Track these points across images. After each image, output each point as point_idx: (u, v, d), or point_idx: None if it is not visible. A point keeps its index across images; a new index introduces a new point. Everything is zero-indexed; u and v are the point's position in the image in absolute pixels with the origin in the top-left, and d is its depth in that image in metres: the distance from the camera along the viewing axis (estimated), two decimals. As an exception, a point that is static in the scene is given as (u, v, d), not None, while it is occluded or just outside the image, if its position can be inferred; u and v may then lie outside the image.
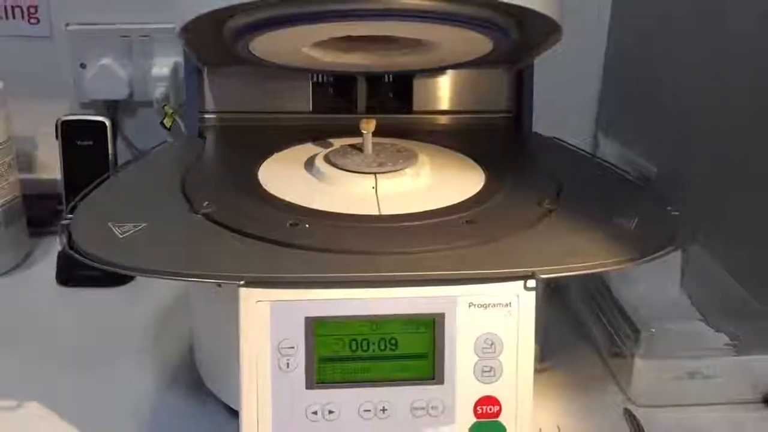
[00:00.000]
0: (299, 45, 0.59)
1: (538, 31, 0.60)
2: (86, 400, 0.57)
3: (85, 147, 0.73)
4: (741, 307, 0.62)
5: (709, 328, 0.63)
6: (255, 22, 0.54)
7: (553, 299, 0.70)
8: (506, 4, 0.52)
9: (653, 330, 0.57)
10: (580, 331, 0.67)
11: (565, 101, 0.88)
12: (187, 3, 0.54)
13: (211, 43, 0.61)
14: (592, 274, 0.48)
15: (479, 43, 0.59)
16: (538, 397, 0.57)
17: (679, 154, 0.72)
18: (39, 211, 0.79)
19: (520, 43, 0.60)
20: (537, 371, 0.58)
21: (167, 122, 0.81)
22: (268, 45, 0.58)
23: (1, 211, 0.73)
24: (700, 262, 0.67)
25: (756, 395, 0.58)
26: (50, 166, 0.77)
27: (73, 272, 0.72)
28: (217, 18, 0.56)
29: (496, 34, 0.57)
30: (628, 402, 0.58)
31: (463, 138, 0.68)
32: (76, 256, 0.48)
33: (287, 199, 0.55)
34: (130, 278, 0.73)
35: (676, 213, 0.54)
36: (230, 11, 0.54)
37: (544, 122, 0.72)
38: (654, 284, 0.68)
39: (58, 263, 0.73)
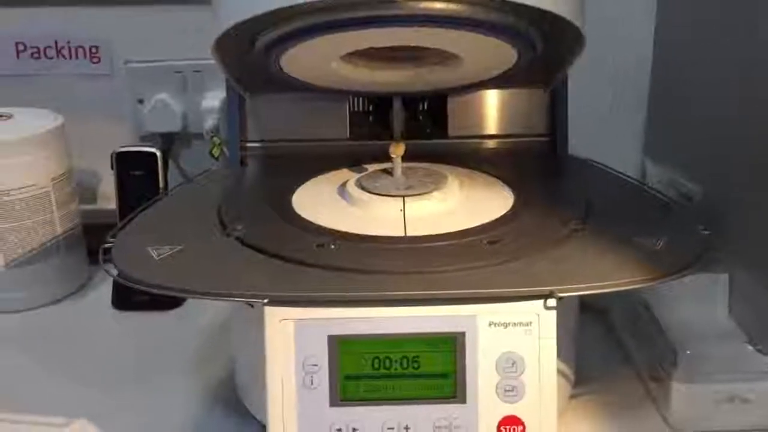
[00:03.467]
0: (327, 59, 0.61)
1: (562, 41, 0.60)
2: (131, 418, 0.59)
3: (138, 176, 0.76)
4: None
5: (755, 351, 0.61)
6: (281, 36, 0.56)
7: (596, 322, 0.69)
8: (527, 8, 0.52)
9: (690, 352, 0.56)
10: (621, 354, 0.66)
11: (611, 125, 0.87)
12: (216, 20, 0.57)
13: (247, 68, 0.64)
14: (612, 293, 0.48)
15: (503, 54, 0.59)
16: (574, 420, 0.57)
17: (725, 174, 0.70)
18: (99, 240, 0.83)
19: (544, 55, 0.61)
20: (571, 396, 0.59)
21: (215, 152, 0.85)
22: (298, 61, 0.60)
23: (62, 238, 0.77)
24: (747, 285, 0.65)
25: (801, 421, 0.56)
26: (111, 196, 0.81)
27: (128, 297, 0.75)
28: (247, 34, 0.58)
29: (518, 42, 0.58)
30: (667, 427, 0.56)
31: (496, 161, 0.68)
32: (114, 276, 0.50)
33: (317, 222, 0.56)
34: (182, 302, 0.76)
35: (707, 233, 0.53)
36: (256, 23, 0.56)
37: (588, 147, 0.72)
38: (699, 307, 0.66)
39: (113, 289, 0.77)
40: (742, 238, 0.66)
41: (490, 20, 0.54)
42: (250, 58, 0.61)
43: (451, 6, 0.53)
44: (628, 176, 0.66)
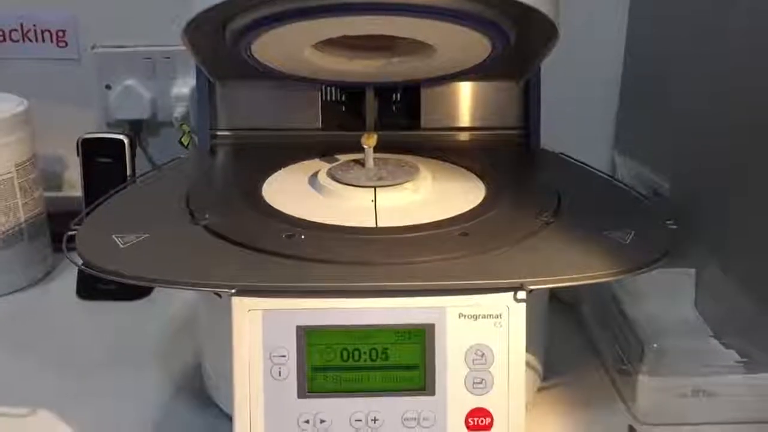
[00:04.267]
0: (299, 47, 0.60)
1: (536, 34, 0.60)
2: (95, 409, 0.58)
3: (105, 164, 0.75)
4: (753, 325, 0.60)
5: (720, 345, 0.62)
6: (252, 22, 0.56)
7: (565, 315, 0.69)
8: None
9: (656, 346, 0.56)
10: (590, 348, 0.66)
11: (583, 120, 0.87)
12: (187, 4, 0.55)
13: (218, 54, 0.63)
14: (581, 285, 0.48)
15: (477, 45, 0.59)
16: (541, 413, 0.58)
17: (693, 170, 0.71)
18: (64, 227, 0.82)
19: (517, 47, 0.61)
20: (539, 389, 0.59)
21: (185, 140, 0.84)
22: (269, 47, 0.60)
23: (25, 226, 0.76)
24: (714, 279, 0.66)
25: (764, 414, 0.56)
26: (77, 183, 0.80)
27: (93, 286, 0.74)
28: (218, 19, 0.57)
29: (491, 32, 0.57)
30: (633, 420, 0.57)
31: (469, 153, 0.68)
32: (77, 264, 0.49)
33: (287, 211, 0.56)
34: (148, 291, 0.75)
35: (674, 227, 0.54)
36: (227, 8, 0.55)
37: (561, 141, 0.72)
38: (666, 302, 0.67)
39: (78, 278, 0.75)
40: (709, 233, 0.67)
41: (463, 10, 0.54)
42: (221, 44, 0.60)
43: None
44: (599, 170, 0.66)
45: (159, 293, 0.75)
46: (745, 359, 0.58)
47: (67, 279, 0.77)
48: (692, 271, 0.68)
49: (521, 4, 0.53)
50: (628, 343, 0.59)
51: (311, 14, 0.53)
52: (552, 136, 0.73)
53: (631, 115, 0.87)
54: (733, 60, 0.64)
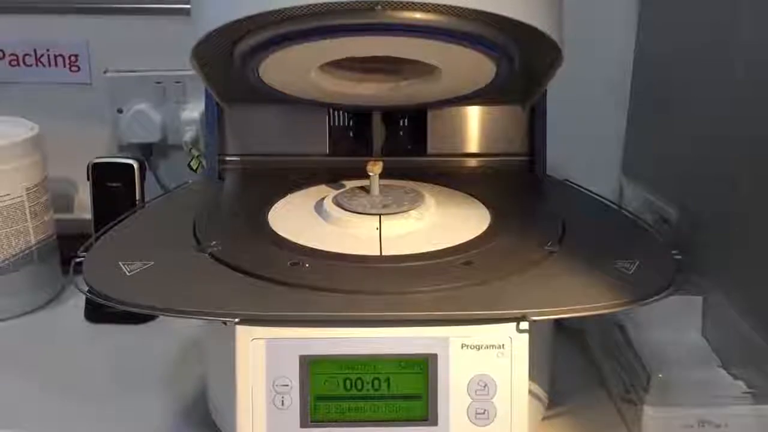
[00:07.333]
0: (306, 68, 0.61)
1: (541, 57, 0.60)
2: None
3: (115, 188, 0.76)
4: (761, 355, 0.60)
5: (728, 375, 0.61)
6: (258, 43, 0.56)
7: (572, 341, 0.69)
8: (504, 20, 0.52)
9: (662, 376, 0.56)
10: (596, 376, 0.66)
11: (592, 144, 0.87)
12: (194, 28, 0.56)
13: (227, 78, 0.63)
14: (585, 316, 0.48)
15: (481, 67, 0.60)
16: (546, 443, 0.57)
17: (701, 197, 0.70)
18: (74, 250, 0.82)
19: (522, 71, 0.61)
20: (543, 418, 0.58)
21: (194, 164, 0.84)
22: (276, 70, 0.60)
23: (35, 249, 0.76)
24: (721, 308, 0.65)
25: (772, 446, 0.56)
26: (88, 206, 0.81)
27: (101, 309, 0.74)
28: (225, 42, 0.58)
29: (495, 54, 0.58)
30: (639, 450, 0.56)
31: (474, 180, 0.69)
32: (83, 291, 0.50)
33: (292, 239, 0.56)
34: (156, 315, 0.75)
35: (679, 257, 0.54)
36: (234, 30, 0.56)
37: (569, 164, 0.72)
38: (673, 330, 0.66)
39: (86, 300, 0.76)
40: (717, 261, 0.66)
41: (467, 31, 0.54)
42: (229, 68, 0.61)
43: (429, 16, 0.53)
44: (605, 198, 0.66)
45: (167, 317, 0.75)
46: (753, 390, 0.57)
47: (77, 301, 0.77)
48: (699, 298, 0.67)
49: (524, 25, 0.53)
50: (634, 372, 0.59)
51: (316, 35, 0.54)
52: (561, 160, 0.73)
53: (638, 140, 0.87)
54: (743, 86, 0.64)
